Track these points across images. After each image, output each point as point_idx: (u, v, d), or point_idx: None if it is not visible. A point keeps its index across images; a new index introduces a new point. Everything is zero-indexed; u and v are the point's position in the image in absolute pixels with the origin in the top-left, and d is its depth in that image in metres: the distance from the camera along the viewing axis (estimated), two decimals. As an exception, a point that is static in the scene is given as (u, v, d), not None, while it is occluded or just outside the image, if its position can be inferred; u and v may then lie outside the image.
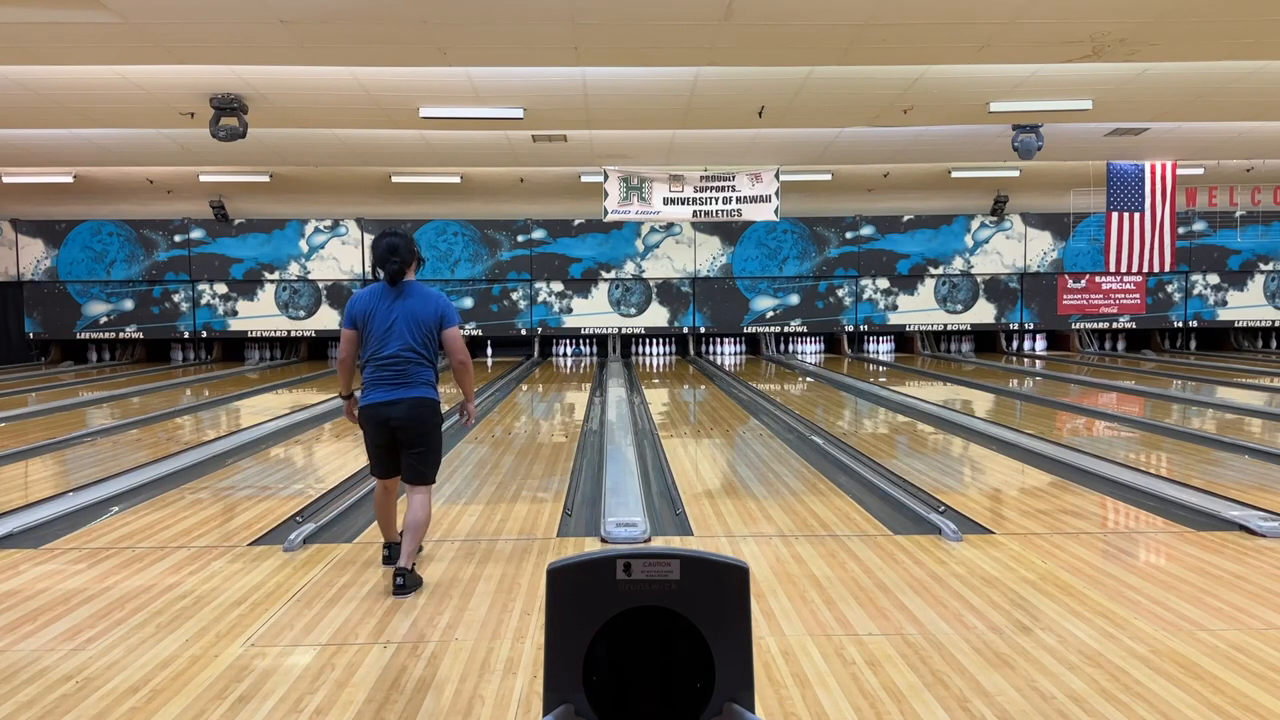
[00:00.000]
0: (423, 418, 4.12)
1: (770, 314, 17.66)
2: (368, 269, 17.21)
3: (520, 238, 17.32)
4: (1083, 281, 17.81)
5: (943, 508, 5.37)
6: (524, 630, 3.53)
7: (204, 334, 17.36)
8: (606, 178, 14.17)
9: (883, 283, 17.75)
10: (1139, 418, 9.19)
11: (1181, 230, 16.35)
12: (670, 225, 17.11)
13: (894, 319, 17.85)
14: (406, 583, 3.95)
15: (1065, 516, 5.23)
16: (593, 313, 17.58)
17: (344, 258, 17.21)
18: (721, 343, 18.17)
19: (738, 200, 14.35)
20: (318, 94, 9.90)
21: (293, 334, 17.46)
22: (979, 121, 11.37)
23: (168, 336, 17.47)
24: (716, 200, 14.37)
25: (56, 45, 7.97)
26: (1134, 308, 17.93)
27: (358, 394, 4.23)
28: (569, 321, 17.61)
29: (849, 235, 17.55)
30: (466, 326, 17.43)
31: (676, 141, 12.82)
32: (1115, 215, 14.48)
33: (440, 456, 4.30)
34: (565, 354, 18.06)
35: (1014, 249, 17.66)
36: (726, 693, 1.19)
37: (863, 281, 17.71)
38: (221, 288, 17.24)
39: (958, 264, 17.66)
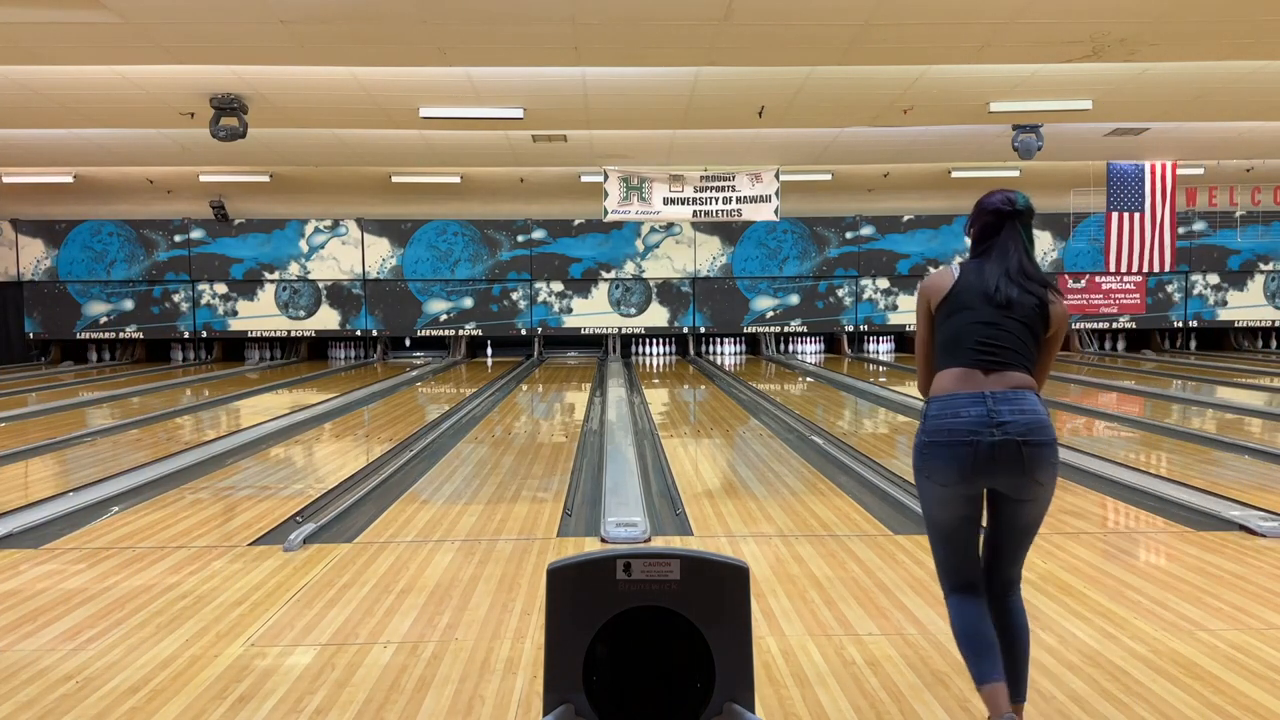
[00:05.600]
0: None
1: (770, 314, 17.66)
2: (368, 268, 17.22)
3: (520, 238, 17.31)
4: (1083, 281, 17.81)
5: (943, 508, 5.36)
6: (524, 630, 3.53)
7: (204, 334, 17.35)
8: (606, 178, 14.17)
9: (883, 283, 17.75)
10: (1139, 418, 9.19)
11: (1181, 230, 16.34)
12: (670, 225, 17.11)
13: (894, 319, 17.84)
14: None
15: (1065, 516, 5.22)
16: (593, 313, 17.58)
17: (344, 258, 17.20)
18: (721, 343, 18.16)
19: (738, 200, 14.34)
20: (318, 94, 9.90)
21: (293, 334, 17.45)
22: (979, 121, 11.37)
23: (168, 336, 17.46)
24: (716, 200, 14.36)
25: (56, 45, 7.97)
26: (1134, 308, 17.92)
27: None
28: (569, 321, 17.60)
29: (849, 235, 17.55)
30: (466, 326, 17.45)
31: (676, 141, 12.81)
32: (1115, 215, 14.47)
33: None
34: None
35: (1014, 249, 17.63)
36: (726, 693, 1.19)
37: (863, 281, 17.71)
38: (221, 288, 17.24)
39: (958, 264, 17.64)
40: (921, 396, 2.71)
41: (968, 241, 2.78)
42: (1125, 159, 14.18)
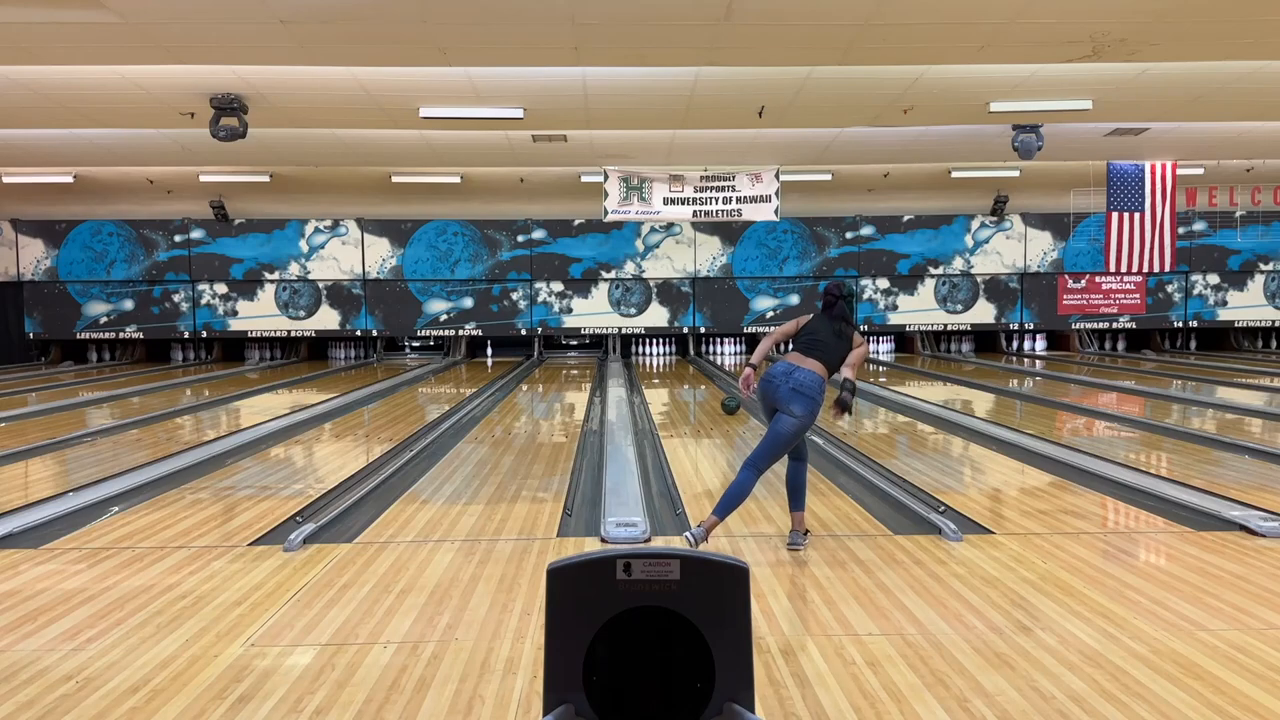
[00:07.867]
0: None
1: (770, 314, 17.65)
2: (368, 268, 17.22)
3: (520, 238, 17.31)
4: (1083, 281, 17.81)
5: (943, 508, 5.37)
6: (524, 630, 3.53)
7: (204, 334, 17.35)
8: (606, 178, 14.17)
9: (883, 283, 17.75)
10: (1139, 418, 9.19)
11: (1181, 230, 16.34)
12: (670, 225, 17.10)
13: (894, 319, 17.84)
14: None
15: (1065, 516, 5.23)
16: (593, 313, 17.58)
17: (344, 258, 17.20)
18: (721, 343, 18.17)
19: (738, 200, 14.34)
20: (318, 94, 9.90)
21: (293, 334, 17.45)
22: (979, 121, 11.37)
23: (168, 336, 17.46)
24: (716, 200, 14.36)
25: (56, 45, 7.97)
26: (1134, 308, 17.93)
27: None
28: (569, 321, 17.60)
29: (849, 235, 17.54)
30: (466, 326, 17.46)
31: (676, 141, 12.81)
32: (1115, 215, 14.48)
33: None
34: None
35: (1014, 249, 17.66)
36: (726, 693, 1.19)
37: (863, 281, 17.71)
38: (221, 288, 17.24)
39: (958, 264, 17.66)
40: (752, 361, 4.71)
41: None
42: (1125, 159, 14.18)
